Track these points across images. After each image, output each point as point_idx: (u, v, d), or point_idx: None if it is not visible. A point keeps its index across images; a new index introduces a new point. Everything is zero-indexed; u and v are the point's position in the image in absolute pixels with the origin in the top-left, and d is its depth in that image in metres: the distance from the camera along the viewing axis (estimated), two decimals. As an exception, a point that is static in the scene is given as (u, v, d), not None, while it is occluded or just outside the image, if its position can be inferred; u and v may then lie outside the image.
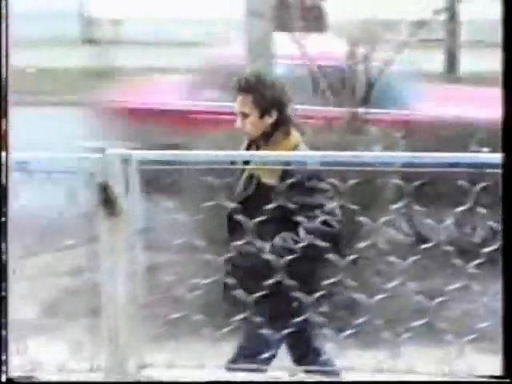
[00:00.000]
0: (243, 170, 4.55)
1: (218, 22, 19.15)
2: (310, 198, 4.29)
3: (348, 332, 3.65)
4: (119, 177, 3.65)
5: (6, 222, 3.92)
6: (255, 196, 4.44)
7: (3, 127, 4.05)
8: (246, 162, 4.51)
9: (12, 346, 3.85)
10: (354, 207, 3.48)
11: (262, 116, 4.62)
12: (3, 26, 4.25)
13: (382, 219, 3.55)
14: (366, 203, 3.51)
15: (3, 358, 3.86)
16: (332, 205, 4.24)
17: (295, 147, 4.59)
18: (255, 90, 4.64)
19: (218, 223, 4.67)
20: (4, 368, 3.85)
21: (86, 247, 4.07)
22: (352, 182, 3.42)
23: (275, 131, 4.63)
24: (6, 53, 4.14)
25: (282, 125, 4.66)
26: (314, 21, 13.38)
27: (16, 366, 3.80)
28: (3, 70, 4.41)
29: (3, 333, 3.80)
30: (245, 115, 4.64)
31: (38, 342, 4.44)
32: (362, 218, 3.46)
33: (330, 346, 3.90)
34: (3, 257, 4.09)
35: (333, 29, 15.98)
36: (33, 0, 19.71)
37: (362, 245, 3.71)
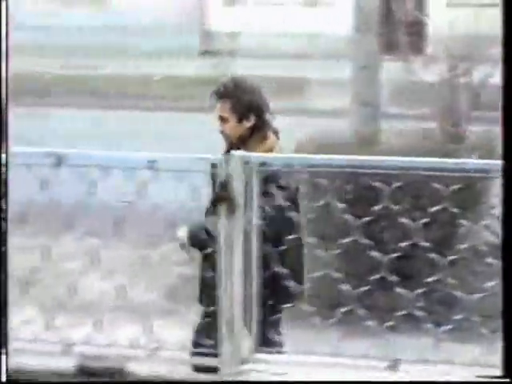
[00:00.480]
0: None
1: (325, 36, 19.14)
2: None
3: (447, 327, 3.63)
4: (239, 176, 3.70)
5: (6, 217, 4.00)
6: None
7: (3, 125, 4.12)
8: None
9: (138, 326, 3.95)
10: (455, 210, 3.46)
11: (240, 121, 4.55)
12: (3, 28, 4.27)
13: (482, 222, 3.52)
14: (466, 207, 3.46)
15: (3, 358, 3.92)
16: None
17: (269, 151, 4.47)
18: (233, 95, 4.56)
19: (326, 222, 4.69)
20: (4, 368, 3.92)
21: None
22: (454, 187, 3.41)
23: (252, 135, 4.54)
24: (6, 55, 4.16)
25: (259, 129, 4.56)
26: (417, 35, 13.30)
27: (142, 344, 3.88)
28: (3, 72, 4.46)
29: (3, 333, 3.84)
30: (224, 120, 4.58)
31: (161, 323, 4.53)
32: (461, 221, 3.45)
33: (428, 340, 3.87)
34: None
35: (434, 43, 15.78)
36: (159, 15, 20.02)
37: (461, 246, 3.67)
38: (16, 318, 3.97)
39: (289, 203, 4.01)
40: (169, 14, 20.27)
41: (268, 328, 4.00)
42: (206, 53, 19.68)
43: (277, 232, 4.01)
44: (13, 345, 3.92)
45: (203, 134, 12.20)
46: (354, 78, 7.82)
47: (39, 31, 20.55)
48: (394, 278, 3.54)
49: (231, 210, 3.69)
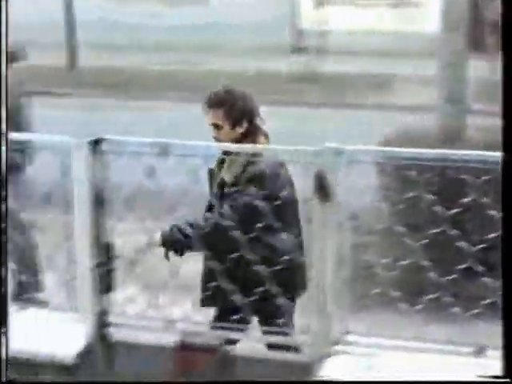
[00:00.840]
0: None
1: (412, 35, 18.94)
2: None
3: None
4: (333, 167, 3.70)
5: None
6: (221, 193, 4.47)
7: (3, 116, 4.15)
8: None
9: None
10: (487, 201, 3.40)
11: (233, 127, 4.51)
12: (3, 25, 4.30)
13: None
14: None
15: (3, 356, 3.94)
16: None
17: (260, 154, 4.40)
18: (226, 103, 4.51)
19: (415, 212, 4.66)
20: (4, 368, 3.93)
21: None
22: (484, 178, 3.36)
23: (244, 140, 4.47)
24: (6, 50, 4.17)
25: (251, 133, 4.52)
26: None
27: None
28: (2, 66, 4.47)
29: (3, 333, 3.86)
30: (218, 127, 4.54)
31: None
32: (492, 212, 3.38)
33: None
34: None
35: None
36: (254, 13, 20.09)
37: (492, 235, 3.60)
38: (120, 295, 4.04)
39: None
40: (263, 13, 20.32)
41: (281, 317, 4.00)
42: (297, 50, 19.66)
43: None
44: (117, 320, 4.01)
45: (293, 126, 12.26)
46: (440, 76, 7.74)
47: (144, 30, 20.83)
48: (480, 268, 3.50)
49: (326, 199, 3.70)
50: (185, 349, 3.85)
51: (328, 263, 3.77)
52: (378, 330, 4.04)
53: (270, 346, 3.96)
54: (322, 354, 3.76)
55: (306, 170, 3.74)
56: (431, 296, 3.66)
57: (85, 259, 3.91)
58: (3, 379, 3.85)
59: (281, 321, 4.01)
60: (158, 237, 4.45)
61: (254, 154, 4.29)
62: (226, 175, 4.47)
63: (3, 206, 4.08)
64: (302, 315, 3.90)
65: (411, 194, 3.86)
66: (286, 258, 4.12)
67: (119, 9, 21.32)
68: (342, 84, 16.44)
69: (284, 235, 4.28)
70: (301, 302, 3.91)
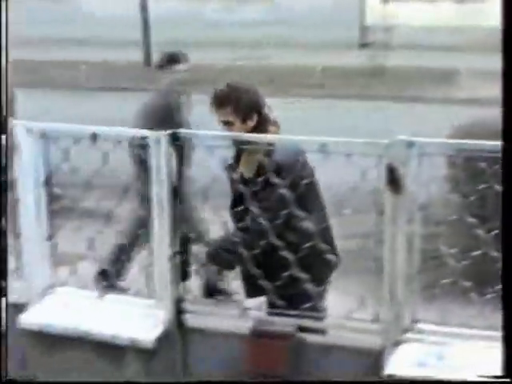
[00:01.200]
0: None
1: (476, 29, 18.66)
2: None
3: None
4: (404, 160, 3.64)
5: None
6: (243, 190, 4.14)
7: (3, 113, 4.14)
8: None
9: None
10: None
11: (244, 121, 4.33)
12: (3, 22, 4.27)
13: None
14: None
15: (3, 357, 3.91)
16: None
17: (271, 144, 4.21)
18: (232, 99, 4.33)
19: (485, 204, 4.57)
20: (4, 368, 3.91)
21: (367, 217, 4.07)
22: None
23: (255, 132, 4.29)
24: (6, 46, 4.16)
25: (261, 125, 4.36)
26: None
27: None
28: (3, 62, 4.44)
29: (3, 334, 3.82)
30: (229, 124, 4.36)
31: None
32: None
33: None
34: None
35: None
36: (322, 10, 20.02)
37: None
38: (196, 283, 4.04)
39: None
40: (331, 9, 20.22)
41: (313, 299, 3.94)
42: (364, 45, 19.52)
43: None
44: (193, 307, 4.01)
45: (361, 120, 12.18)
46: (504, 69, 7.57)
47: (215, 26, 20.90)
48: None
49: (397, 191, 3.64)
50: (259, 336, 3.83)
51: (399, 253, 3.72)
52: (448, 319, 3.97)
53: (301, 330, 3.91)
54: (393, 341, 3.71)
55: (377, 162, 3.68)
56: (501, 286, 3.57)
57: (163, 248, 3.92)
58: (3, 379, 3.85)
59: (310, 304, 3.95)
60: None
61: (270, 144, 4.14)
62: (246, 170, 4.32)
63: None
64: (373, 304, 3.84)
65: (481, 186, 3.77)
66: (315, 242, 4.02)
67: (191, 5, 21.42)
68: (408, 78, 16.28)
69: (312, 219, 4.18)
70: (371, 290, 3.85)
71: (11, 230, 4.27)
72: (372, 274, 3.91)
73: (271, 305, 4.06)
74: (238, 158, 4.39)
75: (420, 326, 3.78)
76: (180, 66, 6.48)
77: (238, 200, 4.27)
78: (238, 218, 4.31)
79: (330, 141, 3.75)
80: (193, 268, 4.06)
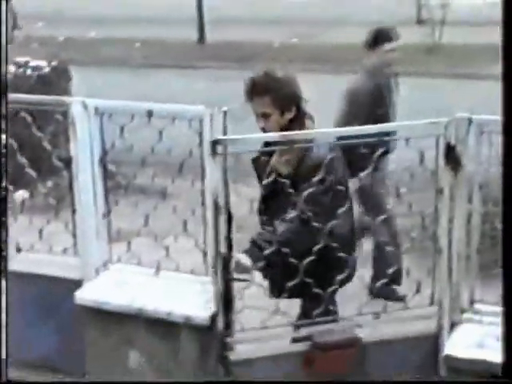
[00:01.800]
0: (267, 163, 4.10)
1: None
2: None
3: None
4: (463, 138, 3.58)
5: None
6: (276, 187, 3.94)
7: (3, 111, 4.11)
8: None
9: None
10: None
11: (282, 113, 4.03)
12: (3, 23, 4.26)
13: None
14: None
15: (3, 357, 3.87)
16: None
17: None
18: (272, 89, 3.99)
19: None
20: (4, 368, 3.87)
21: (426, 195, 4.02)
22: None
23: (292, 126, 4.02)
24: (6, 48, 4.15)
25: (298, 118, 4.07)
26: None
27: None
28: (3, 64, 4.41)
29: (3, 334, 3.77)
30: (266, 115, 4.04)
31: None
32: None
33: None
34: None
35: None
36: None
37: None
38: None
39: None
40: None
41: (324, 299, 3.79)
42: (421, 22, 19.25)
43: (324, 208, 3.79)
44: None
45: (420, 96, 12.04)
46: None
47: (267, 5, 20.82)
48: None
49: (456, 169, 3.59)
50: (323, 349, 3.75)
51: (457, 232, 3.67)
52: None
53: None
54: (450, 322, 3.67)
55: (436, 140, 3.63)
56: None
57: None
58: (3, 379, 3.82)
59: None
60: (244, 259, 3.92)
61: (307, 141, 3.90)
62: (281, 166, 4.03)
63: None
64: (430, 285, 3.80)
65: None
66: (344, 239, 3.90)
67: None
68: (465, 55, 16.04)
69: (344, 215, 3.98)
70: (428, 270, 3.80)
71: (68, 206, 4.29)
72: (429, 254, 3.87)
73: (305, 312, 3.96)
74: (266, 152, 4.11)
75: (478, 306, 3.74)
76: (391, 45, 5.88)
77: (269, 197, 4.09)
78: (271, 213, 4.08)
79: (391, 126, 3.69)
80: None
